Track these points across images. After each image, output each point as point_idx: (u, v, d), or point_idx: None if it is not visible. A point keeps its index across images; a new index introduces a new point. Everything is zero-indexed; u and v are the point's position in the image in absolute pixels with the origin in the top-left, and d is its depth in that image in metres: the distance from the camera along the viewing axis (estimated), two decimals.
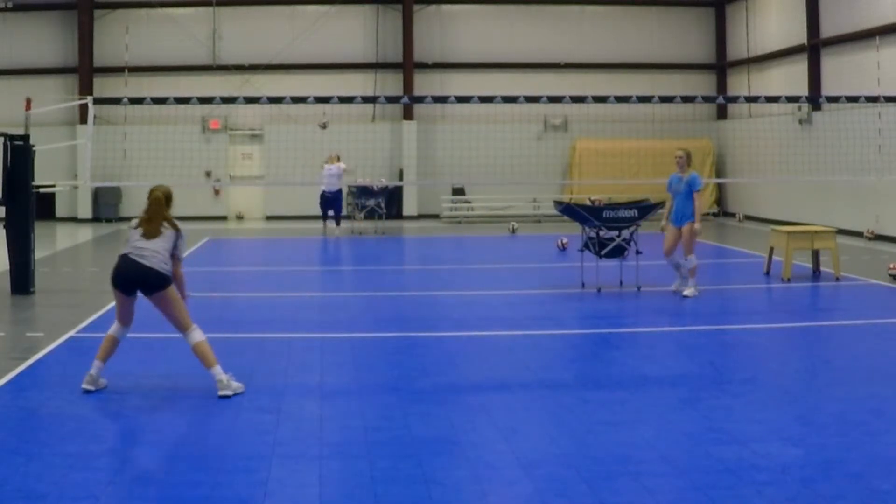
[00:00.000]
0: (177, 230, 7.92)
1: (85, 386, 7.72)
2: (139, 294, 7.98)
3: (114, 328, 8.05)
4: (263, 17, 27.82)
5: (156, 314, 11.79)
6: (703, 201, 27.38)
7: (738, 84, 27.63)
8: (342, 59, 27.86)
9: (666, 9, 28.75)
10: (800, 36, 23.81)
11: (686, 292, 12.72)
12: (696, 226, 12.73)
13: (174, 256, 7.91)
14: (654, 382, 8.20)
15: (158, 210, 7.94)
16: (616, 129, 26.04)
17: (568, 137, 27.86)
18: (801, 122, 23.46)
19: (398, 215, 27.30)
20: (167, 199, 8.04)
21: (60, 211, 27.07)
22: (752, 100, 17.97)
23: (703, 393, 7.86)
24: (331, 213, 22.79)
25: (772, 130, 23.34)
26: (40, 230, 15.11)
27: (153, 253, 7.78)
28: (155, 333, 10.35)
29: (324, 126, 23.88)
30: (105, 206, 26.85)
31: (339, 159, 22.99)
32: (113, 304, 12.26)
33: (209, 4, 27.57)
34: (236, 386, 7.72)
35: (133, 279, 7.84)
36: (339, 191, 22.84)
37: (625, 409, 7.27)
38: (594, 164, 26.22)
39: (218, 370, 7.71)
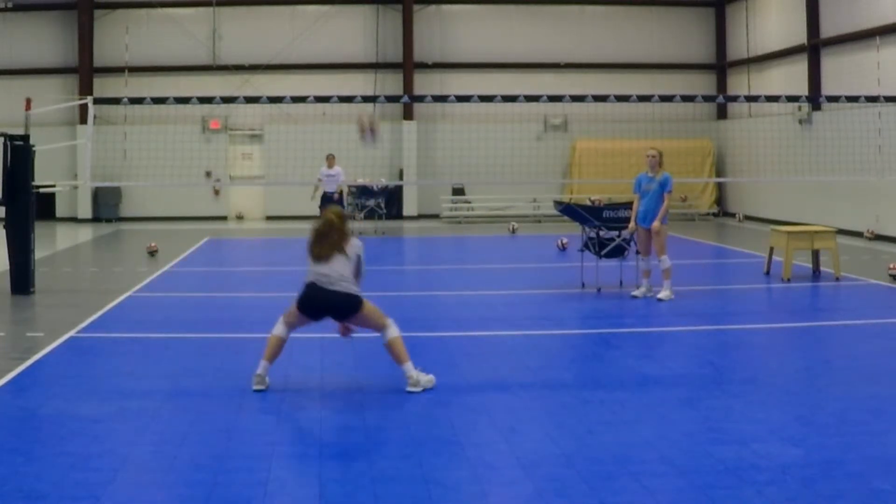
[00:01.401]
0: (350, 253, 7.74)
1: (256, 386, 7.70)
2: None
3: (280, 329, 7.96)
4: (263, 17, 27.82)
5: (154, 316, 11.79)
6: (703, 201, 27.66)
7: (738, 84, 27.64)
8: (342, 59, 27.86)
9: (666, 9, 28.75)
10: (800, 36, 23.81)
11: (661, 295, 12.47)
12: (655, 224, 12.52)
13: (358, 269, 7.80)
14: (654, 382, 8.20)
15: (329, 235, 7.75)
16: (616, 129, 26.02)
17: (568, 137, 27.86)
18: (801, 122, 23.46)
19: (398, 215, 27.30)
20: (340, 221, 7.84)
21: (60, 211, 27.07)
22: (752, 100, 18.00)
23: (703, 393, 7.86)
24: None
25: (772, 130, 23.34)
26: (40, 230, 15.11)
27: (339, 277, 7.67)
28: (155, 334, 10.37)
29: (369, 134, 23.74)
30: (105, 206, 26.85)
31: (334, 159, 22.96)
32: (113, 304, 12.32)
33: (209, 4, 27.57)
34: (426, 381, 7.79)
35: (324, 308, 7.76)
36: (341, 193, 22.85)
37: (625, 409, 7.27)
38: (594, 164, 26.21)
39: (409, 367, 7.75)
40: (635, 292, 12.86)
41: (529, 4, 28.31)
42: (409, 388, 7.72)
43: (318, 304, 7.73)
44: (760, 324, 11.33)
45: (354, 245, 7.82)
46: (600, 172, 25.25)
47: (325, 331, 10.59)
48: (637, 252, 13.28)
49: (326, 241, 7.74)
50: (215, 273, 16.65)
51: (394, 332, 7.81)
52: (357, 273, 7.82)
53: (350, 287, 7.69)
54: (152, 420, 7.03)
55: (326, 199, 22.84)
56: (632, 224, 12.85)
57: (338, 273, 7.67)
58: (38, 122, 17.60)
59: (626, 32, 28.48)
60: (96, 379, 8.35)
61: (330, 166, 22.82)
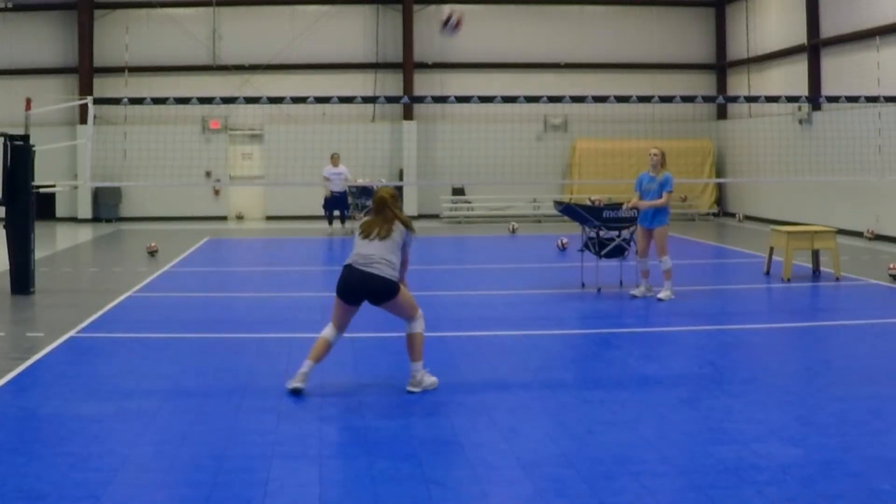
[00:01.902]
0: (407, 227, 7.69)
1: (293, 384, 7.62)
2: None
3: (328, 331, 7.86)
4: (263, 17, 27.82)
5: (154, 316, 11.79)
6: (703, 201, 27.65)
7: (738, 84, 27.63)
8: (342, 59, 27.86)
9: (666, 9, 28.75)
10: (800, 36, 23.81)
11: (661, 295, 12.49)
12: (636, 201, 12.60)
13: (402, 259, 7.71)
14: (654, 382, 8.20)
15: (382, 211, 7.67)
16: (616, 129, 26.02)
17: (568, 137, 27.86)
18: (801, 122, 23.46)
19: None
20: (392, 199, 7.75)
21: (60, 211, 27.07)
22: (752, 100, 17.98)
23: (703, 393, 7.86)
24: (336, 212, 22.89)
25: (772, 130, 23.34)
26: (40, 230, 15.11)
27: (380, 260, 7.56)
28: (155, 334, 10.37)
29: None
30: (105, 206, 26.84)
31: (339, 158, 23.00)
32: (113, 304, 12.32)
33: (209, 4, 27.57)
34: (428, 383, 7.77)
35: (361, 290, 7.64)
36: (345, 191, 22.93)
37: (625, 409, 7.27)
38: (594, 164, 26.21)
39: (418, 367, 7.72)
40: (634, 291, 12.88)
41: (529, 4, 28.31)
42: (410, 388, 7.73)
43: (354, 286, 7.61)
44: (760, 324, 11.33)
45: (401, 230, 7.68)
46: (600, 172, 25.25)
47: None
48: (636, 252, 13.29)
49: (377, 218, 7.65)
50: (215, 273, 16.65)
51: (420, 326, 7.79)
52: (402, 261, 7.72)
53: (388, 271, 7.56)
54: (152, 420, 7.04)
55: (334, 198, 22.90)
56: (634, 200, 12.92)
57: (379, 255, 7.56)
58: (38, 122, 17.61)
59: (625, 32, 28.47)
60: (96, 379, 8.36)
61: (335, 165, 22.85)
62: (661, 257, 12.61)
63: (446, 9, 11.05)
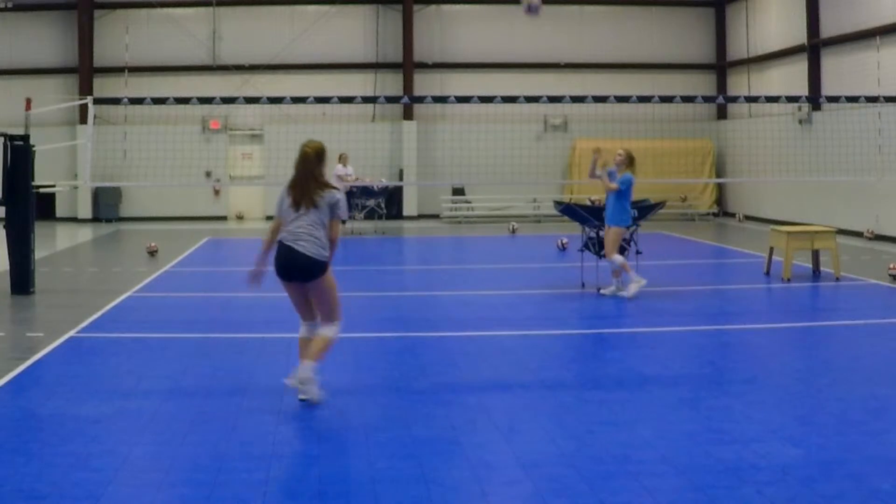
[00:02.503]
0: (333, 198, 7.08)
1: (304, 397, 7.25)
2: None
3: (302, 329, 7.55)
4: (263, 17, 27.82)
5: (154, 316, 11.79)
6: (703, 201, 27.65)
7: (738, 84, 27.64)
8: (342, 59, 27.86)
9: (666, 9, 28.75)
10: (800, 36, 23.81)
11: (624, 293, 12.56)
12: (612, 182, 12.72)
13: (333, 220, 7.12)
14: (654, 382, 8.20)
15: (308, 170, 7.08)
16: (616, 129, 26.00)
17: (568, 137, 27.86)
18: (801, 122, 23.46)
19: (398, 215, 27.30)
20: (318, 156, 7.14)
21: (60, 211, 27.07)
22: (752, 100, 17.97)
23: (703, 393, 7.86)
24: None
25: (772, 130, 23.34)
26: (40, 230, 15.11)
27: (307, 236, 7.11)
28: (155, 334, 10.37)
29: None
30: (105, 206, 26.84)
31: (348, 159, 22.98)
32: (113, 304, 12.33)
33: (209, 4, 27.58)
34: (313, 392, 7.30)
35: (290, 267, 7.19)
36: (349, 191, 22.94)
37: (625, 409, 7.27)
38: None
39: (313, 368, 7.27)
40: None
41: None
42: (296, 385, 7.24)
43: (285, 262, 7.19)
44: (760, 324, 11.33)
45: (327, 197, 7.11)
46: None
47: None
48: (638, 252, 13.28)
49: (309, 183, 7.08)
50: (215, 273, 16.65)
51: (334, 332, 7.37)
52: (333, 215, 7.16)
53: (313, 249, 7.10)
54: (152, 420, 7.03)
55: None
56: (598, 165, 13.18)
57: (305, 231, 7.11)
58: (38, 122, 17.63)
59: (626, 32, 28.47)
60: (96, 379, 8.36)
61: (345, 165, 22.84)
62: (610, 257, 12.68)
63: None
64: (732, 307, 12.69)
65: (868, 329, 10.64)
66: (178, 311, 12.09)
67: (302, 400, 7.33)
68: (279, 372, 8.34)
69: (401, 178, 27.05)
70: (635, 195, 13.25)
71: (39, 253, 14.75)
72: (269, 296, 13.40)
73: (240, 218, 28.00)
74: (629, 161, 12.91)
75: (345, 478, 5.81)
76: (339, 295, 7.43)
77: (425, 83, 27.63)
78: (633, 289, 12.53)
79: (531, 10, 11.25)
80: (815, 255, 14.62)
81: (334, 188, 7.28)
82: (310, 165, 7.14)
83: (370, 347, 9.95)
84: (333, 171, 22.59)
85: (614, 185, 12.65)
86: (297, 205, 7.16)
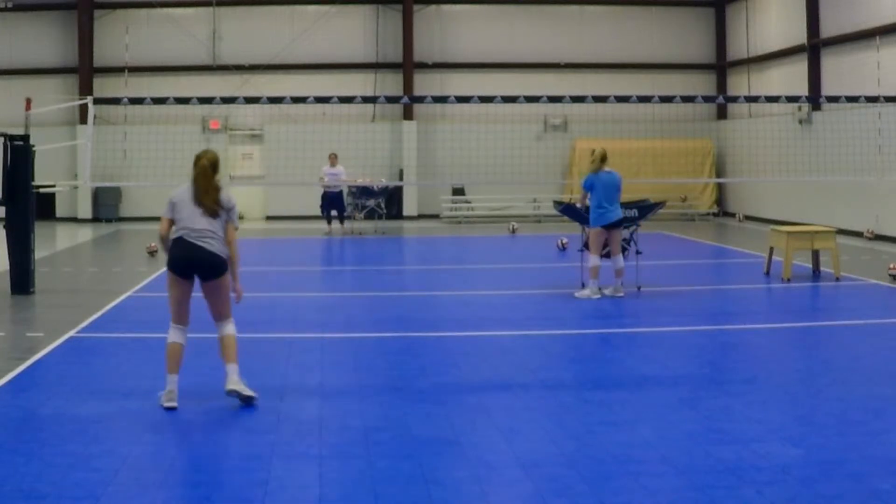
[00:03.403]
0: (227, 202, 7.39)
1: (167, 404, 7.22)
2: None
3: (173, 334, 7.49)
4: (263, 17, 27.82)
5: (154, 316, 11.78)
6: (703, 201, 27.67)
7: (738, 84, 27.63)
8: (342, 59, 27.85)
9: (666, 9, 28.74)
10: (800, 36, 23.81)
11: (578, 293, 12.67)
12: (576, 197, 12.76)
13: (230, 226, 7.45)
14: (654, 382, 8.20)
15: (209, 180, 7.33)
16: (616, 129, 26.00)
17: (568, 137, 27.85)
18: (801, 122, 23.45)
19: (398, 215, 27.30)
20: (213, 166, 7.39)
21: (60, 211, 27.06)
22: (752, 100, 17.99)
23: (703, 393, 7.86)
24: (334, 212, 22.88)
25: (772, 130, 23.32)
26: (40, 230, 15.10)
27: (211, 234, 7.32)
28: (155, 334, 10.35)
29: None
30: (105, 206, 26.84)
31: (336, 159, 23.00)
32: (113, 304, 12.31)
33: (209, 4, 27.57)
34: (241, 388, 7.36)
35: (192, 262, 7.32)
36: (341, 191, 22.91)
37: (625, 409, 7.27)
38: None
39: (236, 368, 7.40)
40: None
41: (529, 4, 28.30)
42: (228, 388, 7.31)
43: (186, 258, 7.32)
44: (760, 324, 11.33)
45: (227, 199, 7.42)
46: None
47: (326, 331, 10.62)
48: (637, 252, 13.29)
49: (212, 192, 7.34)
50: None
51: (233, 328, 7.53)
52: (229, 220, 7.45)
53: (218, 247, 7.33)
54: (152, 420, 7.03)
55: (329, 198, 22.91)
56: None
57: (209, 230, 7.32)
58: (38, 122, 17.62)
59: (625, 32, 28.46)
60: (96, 379, 8.36)
61: (332, 165, 22.84)
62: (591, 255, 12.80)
63: None
64: (732, 307, 12.69)
65: (868, 329, 10.64)
66: None
67: (248, 397, 7.31)
68: (279, 372, 8.35)
69: (401, 178, 27.04)
70: (636, 194, 13.25)
71: (39, 253, 14.74)
72: (269, 296, 13.42)
73: (240, 218, 27.94)
74: (602, 158, 12.88)
75: (345, 478, 5.82)
76: (230, 298, 7.61)
77: (425, 83, 27.63)
78: (585, 293, 12.61)
79: None
80: (815, 255, 14.61)
81: (229, 194, 7.56)
82: (209, 175, 7.40)
83: (370, 347, 9.95)
84: (324, 170, 22.59)
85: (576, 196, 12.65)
86: (201, 209, 7.35)
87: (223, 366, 7.46)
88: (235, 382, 7.34)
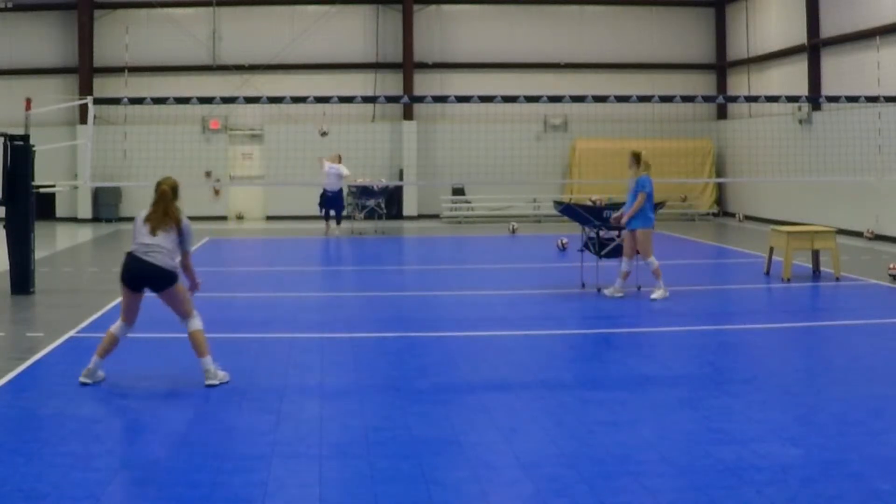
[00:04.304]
0: (179, 225, 7.95)
1: (82, 379, 7.86)
2: (146, 291, 8.08)
3: (116, 326, 8.08)
4: (263, 17, 27.82)
5: (154, 316, 11.79)
6: (703, 201, 27.66)
7: (738, 84, 27.63)
8: (342, 59, 27.85)
9: (666, 9, 28.74)
10: (800, 36, 23.81)
11: (654, 295, 12.59)
12: (620, 217, 12.75)
13: (183, 251, 8.02)
14: (654, 382, 8.20)
15: (164, 204, 7.97)
16: (616, 129, 26.02)
17: (568, 137, 27.85)
18: (801, 122, 23.46)
19: (398, 215, 27.30)
20: (174, 191, 8.06)
21: (60, 211, 27.06)
22: (752, 100, 17.97)
23: (703, 393, 7.86)
24: (332, 212, 22.85)
25: (772, 130, 23.34)
26: (40, 230, 15.11)
27: (159, 249, 7.84)
28: (154, 333, 10.35)
29: (323, 133, 24.11)
30: (105, 206, 26.83)
31: (340, 159, 23.00)
32: (113, 304, 12.31)
33: (209, 4, 27.57)
34: (222, 375, 7.95)
35: (140, 277, 7.89)
36: (340, 190, 22.88)
37: (625, 409, 7.27)
38: (594, 164, 26.20)
39: (207, 360, 7.93)
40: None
41: (529, 4, 28.31)
42: (208, 382, 7.88)
43: (136, 273, 7.87)
44: (760, 324, 11.33)
45: (179, 220, 7.97)
46: (600, 172, 25.23)
47: (326, 331, 10.62)
48: (637, 252, 13.28)
49: (162, 213, 7.95)
50: (215, 273, 16.62)
51: (197, 323, 8.01)
52: (182, 256, 8.05)
53: (165, 261, 7.83)
54: (152, 420, 7.04)
55: (327, 198, 22.89)
56: (617, 214, 13.02)
57: (158, 246, 7.83)
58: (38, 122, 17.62)
59: (626, 32, 28.47)
60: None
61: (333, 162, 22.80)
62: (646, 259, 12.70)
63: None
64: (732, 307, 12.69)
65: (868, 329, 10.64)
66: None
67: (212, 385, 7.83)
68: (279, 372, 8.35)
69: (401, 178, 27.04)
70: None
71: (39, 253, 14.74)
72: (268, 296, 13.43)
73: (240, 218, 28.00)
74: (635, 162, 12.84)
75: (345, 478, 5.82)
76: (189, 297, 8.13)
77: (425, 83, 27.63)
78: (660, 293, 12.59)
79: None
80: (815, 255, 14.62)
81: (185, 218, 8.11)
82: (167, 199, 8.06)
83: (370, 347, 9.95)
84: (325, 168, 22.56)
85: (636, 203, 12.56)
86: (153, 230, 7.94)
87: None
88: (210, 376, 7.88)
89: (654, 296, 12.58)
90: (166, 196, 8.00)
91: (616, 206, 13.50)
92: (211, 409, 7.29)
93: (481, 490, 5.58)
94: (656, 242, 13.31)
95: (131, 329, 8.13)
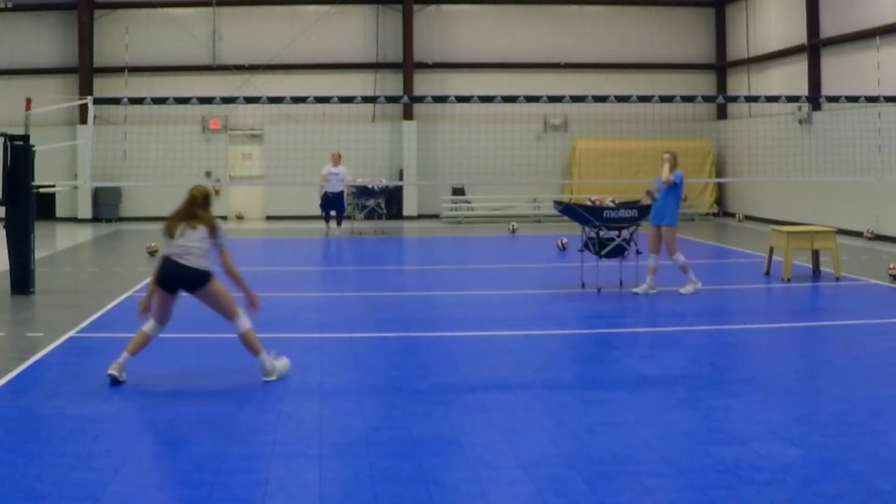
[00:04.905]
0: (210, 224, 8.01)
1: (111, 371, 7.89)
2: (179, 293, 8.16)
3: (149, 326, 8.11)
4: (263, 17, 27.81)
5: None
6: (703, 201, 27.68)
7: (738, 84, 27.63)
8: (342, 59, 27.85)
9: (666, 9, 28.74)
10: (800, 36, 23.81)
11: (683, 290, 12.92)
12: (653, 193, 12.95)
13: (221, 251, 8.08)
14: (654, 382, 8.20)
15: (191, 207, 8.05)
16: (616, 129, 26.03)
17: (568, 137, 27.85)
18: (801, 122, 23.46)
19: (398, 215, 27.30)
20: (205, 198, 8.15)
21: (60, 211, 27.06)
22: (752, 100, 17.97)
23: (703, 393, 7.86)
24: (333, 213, 22.86)
25: (772, 130, 23.33)
26: (40, 230, 15.10)
27: (192, 251, 7.91)
28: None
29: (217, 191, 24.20)
30: (105, 206, 26.83)
31: (339, 158, 22.98)
32: (113, 304, 12.32)
33: (209, 4, 27.57)
34: (280, 367, 8.11)
35: (174, 278, 7.96)
36: (342, 192, 22.88)
37: (625, 409, 7.27)
38: (594, 164, 26.21)
39: (263, 358, 8.04)
40: (636, 289, 12.97)
41: (529, 4, 28.30)
42: (266, 378, 8.01)
43: (171, 276, 7.95)
44: (760, 324, 11.33)
45: (205, 228, 8.02)
46: (600, 172, 25.25)
47: (326, 331, 10.62)
48: (638, 252, 13.31)
49: (190, 216, 8.02)
50: (215, 273, 16.63)
51: (246, 324, 8.08)
52: (222, 256, 8.08)
53: (199, 262, 7.93)
54: (152, 420, 7.04)
55: (328, 199, 22.89)
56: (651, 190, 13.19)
57: (191, 246, 7.91)
58: (38, 122, 17.59)
59: (626, 32, 28.46)
60: (96, 379, 8.35)
61: (335, 165, 22.82)
62: (672, 256, 12.90)
63: None
64: (732, 307, 12.70)
65: (868, 329, 10.64)
66: (177, 311, 12.02)
67: (269, 380, 8.02)
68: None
69: (401, 178, 27.04)
70: (635, 195, 13.31)
71: (39, 253, 14.74)
72: (268, 296, 13.40)
73: (240, 218, 27.99)
74: (675, 160, 13.02)
75: (345, 478, 5.82)
76: (230, 297, 8.17)
77: (425, 83, 27.63)
78: (689, 288, 12.83)
79: None
80: (815, 255, 14.62)
81: (217, 219, 8.27)
82: (195, 203, 8.15)
83: (370, 347, 9.96)
84: (325, 170, 22.57)
85: (669, 177, 12.71)
86: (177, 229, 8.03)
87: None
88: (265, 373, 8.05)
89: (683, 290, 12.90)
90: (195, 200, 8.09)
91: (627, 204, 13.53)
92: (211, 409, 7.29)
93: (481, 490, 5.58)
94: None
95: (163, 330, 8.20)
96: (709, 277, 15.77)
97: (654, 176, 13.34)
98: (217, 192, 27.44)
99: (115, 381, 7.87)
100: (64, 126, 25.79)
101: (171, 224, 8.04)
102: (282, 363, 8.17)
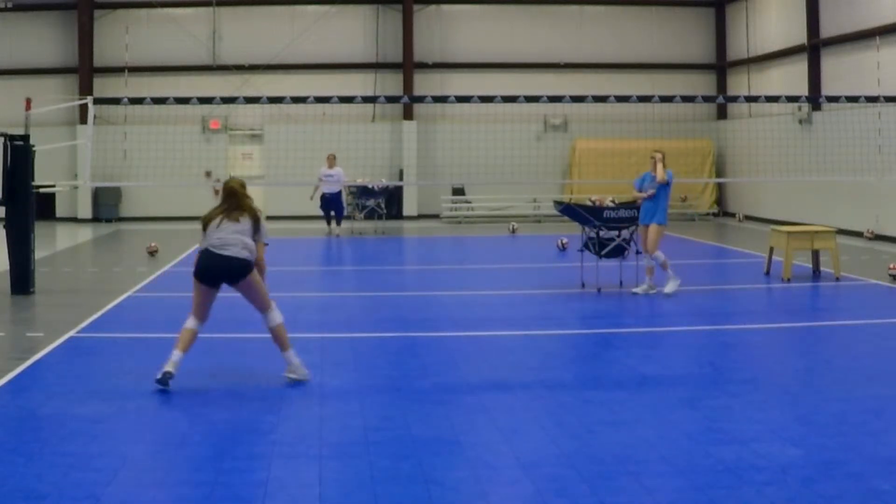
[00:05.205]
0: (253, 215, 7.97)
1: (168, 368, 7.73)
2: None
3: (191, 322, 8.02)
4: (263, 17, 27.81)
5: (155, 316, 11.79)
6: (703, 201, 27.67)
7: (738, 84, 27.63)
8: (342, 59, 27.85)
9: (666, 9, 28.74)
10: (800, 36, 23.81)
11: (666, 289, 12.77)
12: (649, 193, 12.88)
13: (258, 242, 8.01)
14: (654, 382, 8.20)
15: (236, 199, 7.99)
16: (616, 129, 26.01)
17: (568, 137, 27.85)
18: (801, 122, 23.46)
19: (398, 215, 27.30)
20: (242, 187, 8.10)
21: (60, 211, 27.06)
22: (752, 100, 17.97)
23: (703, 393, 7.86)
24: (332, 213, 22.86)
25: (772, 130, 23.33)
26: (40, 230, 15.10)
27: (233, 241, 7.83)
28: (155, 334, 10.36)
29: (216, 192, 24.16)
30: (105, 206, 26.83)
31: (334, 159, 22.95)
32: (113, 304, 12.32)
33: (209, 4, 27.57)
34: (303, 372, 8.08)
35: (216, 271, 7.89)
36: (339, 192, 22.88)
37: (625, 409, 7.27)
38: (594, 164, 26.20)
39: (290, 354, 8.06)
40: (636, 289, 12.97)
41: (529, 4, 28.30)
42: (290, 376, 8.04)
43: (213, 269, 7.87)
44: (760, 324, 11.33)
45: (249, 218, 7.96)
46: (600, 172, 25.24)
47: (326, 331, 10.62)
48: (637, 252, 13.31)
49: (223, 207, 7.97)
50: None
51: (278, 317, 8.05)
52: (256, 239, 7.99)
53: (242, 252, 7.83)
54: (152, 420, 7.04)
55: (326, 200, 22.89)
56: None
57: (232, 238, 7.83)
58: (38, 122, 17.59)
59: (626, 32, 28.46)
60: (96, 379, 8.36)
61: (330, 166, 22.82)
62: (653, 254, 12.84)
63: None
64: (732, 307, 12.69)
65: (868, 329, 10.64)
66: (178, 311, 12.02)
67: (292, 379, 8.03)
68: (279, 372, 8.34)
69: (401, 178, 27.04)
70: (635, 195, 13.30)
71: (39, 253, 14.74)
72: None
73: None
74: (665, 161, 13.10)
75: (345, 478, 5.82)
76: (265, 289, 8.11)
77: (425, 83, 27.63)
78: (672, 286, 12.76)
79: None
80: (815, 255, 14.62)
81: (258, 210, 8.18)
82: (237, 195, 8.09)
83: (370, 347, 9.95)
84: (321, 172, 22.57)
85: (663, 176, 12.70)
86: (224, 220, 7.94)
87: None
88: (291, 370, 8.07)
89: (666, 290, 12.74)
90: (235, 192, 8.02)
91: (627, 204, 13.52)
92: (211, 409, 7.29)
93: (481, 490, 5.58)
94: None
95: (203, 325, 8.09)
96: (709, 277, 15.79)
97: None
98: (217, 193, 27.52)
99: (166, 380, 7.67)
100: (64, 126, 25.79)
101: (211, 216, 7.95)
102: (305, 371, 8.12)
